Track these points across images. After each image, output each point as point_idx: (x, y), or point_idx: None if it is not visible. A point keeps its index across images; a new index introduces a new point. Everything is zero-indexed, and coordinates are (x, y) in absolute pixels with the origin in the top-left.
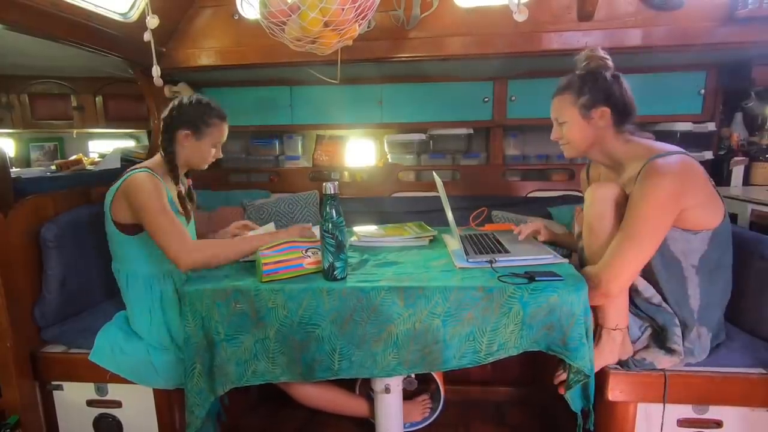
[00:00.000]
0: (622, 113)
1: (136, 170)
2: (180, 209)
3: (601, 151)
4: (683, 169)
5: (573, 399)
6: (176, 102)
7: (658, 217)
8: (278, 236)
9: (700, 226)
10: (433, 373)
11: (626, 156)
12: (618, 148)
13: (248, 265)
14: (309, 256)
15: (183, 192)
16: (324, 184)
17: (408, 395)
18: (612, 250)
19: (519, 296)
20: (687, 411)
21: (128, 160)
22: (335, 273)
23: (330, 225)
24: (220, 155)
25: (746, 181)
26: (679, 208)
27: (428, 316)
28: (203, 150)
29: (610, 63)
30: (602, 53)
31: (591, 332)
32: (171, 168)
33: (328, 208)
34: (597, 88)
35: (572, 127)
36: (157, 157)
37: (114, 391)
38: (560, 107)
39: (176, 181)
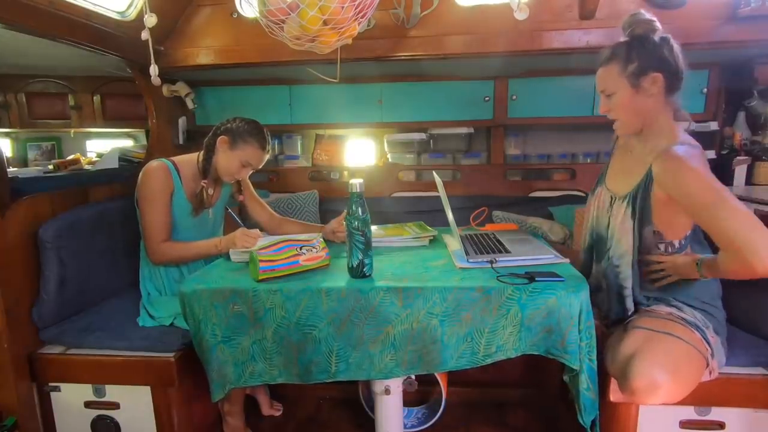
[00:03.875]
0: (674, 79)
1: (158, 159)
2: (193, 204)
3: (649, 124)
4: (701, 153)
5: (584, 408)
6: (240, 117)
7: (714, 181)
8: (222, 243)
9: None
10: (436, 375)
11: (657, 139)
12: (660, 125)
13: (245, 267)
14: (304, 254)
15: (206, 192)
16: (350, 182)
17: (409, 397)
18: (727, 235)
19: (517, 298)
20: (689, 412)
21: (126, 160)
22: (364, 270)
23: (359, 222)
24: (245, 177)
25: (749, 180)
26: None
27: (426, 315)
28: (231, 161)
29: (657, 25)
30: (648, 16)
31: (593, 333)
32: (204, 165)
33: (354, 206)
34: (646, 54)
35: (622, 99)
36: (193, 156)
37: (112, 392)
38: (607, 78)
39: (204, 176)
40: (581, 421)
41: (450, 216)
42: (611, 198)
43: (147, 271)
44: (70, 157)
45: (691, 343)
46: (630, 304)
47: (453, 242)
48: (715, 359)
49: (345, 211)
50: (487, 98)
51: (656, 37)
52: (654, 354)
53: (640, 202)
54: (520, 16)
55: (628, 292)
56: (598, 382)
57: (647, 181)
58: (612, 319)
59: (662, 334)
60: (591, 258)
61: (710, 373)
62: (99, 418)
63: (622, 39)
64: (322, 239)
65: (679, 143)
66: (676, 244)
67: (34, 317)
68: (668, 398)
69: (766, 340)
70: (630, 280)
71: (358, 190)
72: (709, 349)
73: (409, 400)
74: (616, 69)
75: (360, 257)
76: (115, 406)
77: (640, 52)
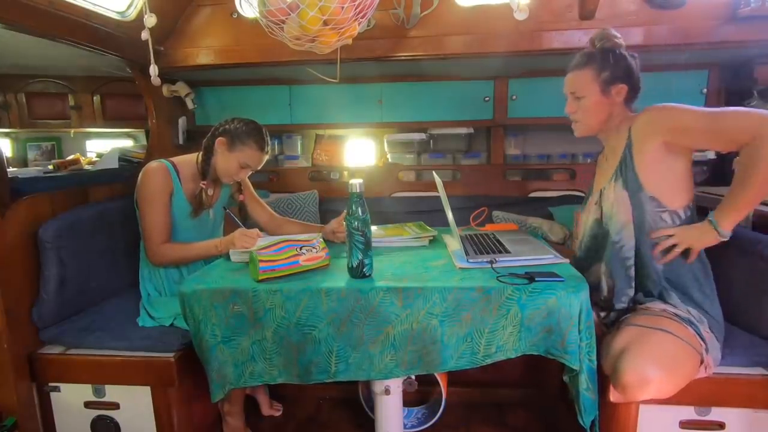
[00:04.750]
0: (635, 90)
1: (158, 159)
2: (193, 205)
3: (608, 126)
4: None
5: (584, 408)
6: (239, 118)
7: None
8: (223, 244)
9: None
10: (436, 375)
11: (620, 125)
12: (619, 123)
13: (245, 267)
14: (304, 254)
15: (205, 193)
16: (350, 182)
17: (409, 397)
18: (748, 128)
19: (517, 298)
20: (689, 413)
21: (126, 160)
22: (364, 270)
23: (358, 223)
24: (244, 178)
25: None
26: None
27: (426, 315)
28: (230, 163)
29: (622, 42)
30: (615, 33)
31: (593, 333)
32: (203, 167)
33: (354, 206)
34: (618, 65)
35: (590, 102)
36: (192, 156)
37: (111, 392)
38: (579, 81)
39: (203, 177)
40: (581, 422)
41: (450, 216)
42: (600, 193)
43: (147, 271)
44: (70, 157)
45: (683, 338)
46: (632, 273)
47: (453, 242)
48: (710, 355)
49: (345, 211)
50: (487, 98)
51: (625, 52)
52: (644, 349)
53: (627, 172)
54: (520, 16)
55: (631, 262)
56: (598, 382)
57: (627, 152)
58: (616, 311)
59: (653, 329)
60: (581, 268)
61: (705, 369)
62: (99, 418)
63: (589, 50)
64: (322, 239)
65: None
66: (682, 215)
67: (34, 317)
68: (659, 393)
69: (766, 340)
70: (632, 250)
71: (358, 191)
72: (703, 344)
73: (409, 400)
74: (590, 74)
75: (360, 257)
76: (115, 406)
77: (613, 63)
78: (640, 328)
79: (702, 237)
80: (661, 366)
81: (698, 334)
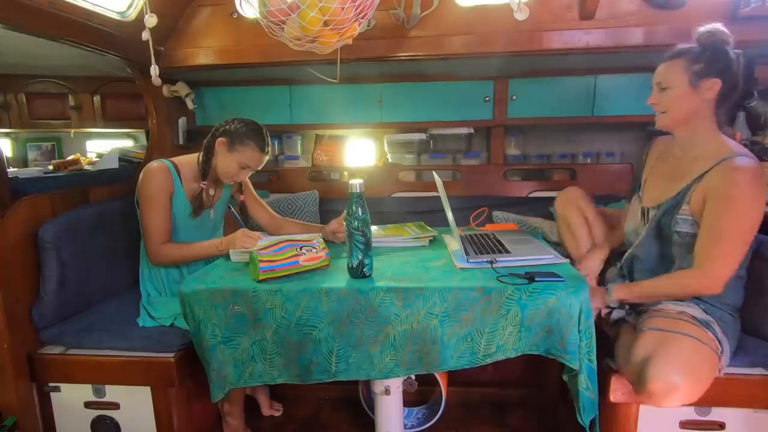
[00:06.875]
0: (730, 92)
1: (159, 159)
2: (193, 206)
3: (691, 128)
4: (762, 173)
5: (583, 408)
6: (239, 118)
7: (749, 215)
8: (223, 244)
9: None
10: (436, 375)
11: (704, 147)
12: (705, 132)
13: (245, 267)
14: (304, 254)
15: (206, 193)
16: (350, 182)
17: (409, 397)
18: (708, 251)
19: (517, 298)
20: (689, 413)
21: (126, 160)
22: (365, 270)
23: (358, 223)
24: (245, 179)
25: None
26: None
27: (426, 316)
28: (230, 163)
29: (730, 39)
30: (724, 30)
31: (593, 333)
32: (203, 167)
33: (354, 207)
34: (716, 59)
35: (675, 93)
36: (193, 156)
37: (112, 392)
38: (669, 72)
39: (203, 177)
40: (581, 421)
41: (450, 216)
42: (643, 210)
43: (147, 271)
44: (70, 158)
45: (704, 341)
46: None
47: (453, 242)
48: (724, 356)
49: (345, 211)
50: (487, 98)
51: (731, 51)
52: (669, 356)
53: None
54: (520, 16)
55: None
56: (597, 382)
57: (687, 190)
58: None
59: (676, 334)
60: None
61: (719, 370)
62: (99, 418)
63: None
64: (322, 239)
65: (740, 153)
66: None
67: (34, 317)
68: (686, 399)
69: (766, 341)
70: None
71: (358, 191)
72: (720, 346)
73: (409, 401)
74: (682, 64)
75: (360, 257)
76: (115, 406)
77: (712, 57)
78: (661, 332)
79: (595, 299)
80: (686, 372)
81: (716, 337)
